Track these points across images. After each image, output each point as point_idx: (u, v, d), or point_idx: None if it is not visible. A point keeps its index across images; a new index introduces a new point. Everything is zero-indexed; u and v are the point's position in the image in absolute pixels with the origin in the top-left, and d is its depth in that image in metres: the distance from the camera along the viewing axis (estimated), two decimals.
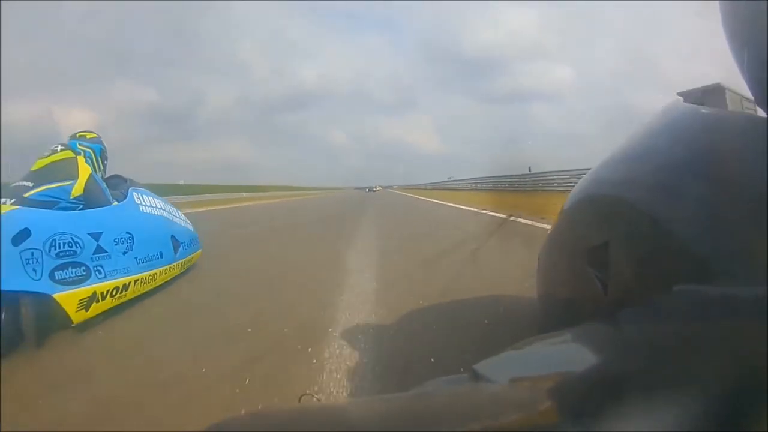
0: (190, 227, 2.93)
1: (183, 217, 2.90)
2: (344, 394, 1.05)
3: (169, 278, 2.49)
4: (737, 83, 0.46)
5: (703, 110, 0.54)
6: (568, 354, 0.44)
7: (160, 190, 2.96)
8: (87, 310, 1.74)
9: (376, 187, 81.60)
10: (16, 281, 1.52)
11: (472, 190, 22.46)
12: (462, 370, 0.43)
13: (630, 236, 0.53)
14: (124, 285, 1.99)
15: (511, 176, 18.30)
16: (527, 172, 16.58)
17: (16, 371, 1.30)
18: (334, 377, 1.14)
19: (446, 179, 37.11)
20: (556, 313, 0.76)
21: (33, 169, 2.00)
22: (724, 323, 0.32)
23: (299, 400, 0.96)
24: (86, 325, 1.69)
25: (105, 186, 2.16)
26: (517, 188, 15.94)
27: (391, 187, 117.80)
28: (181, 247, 2.63)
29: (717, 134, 0.49)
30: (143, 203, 2.43)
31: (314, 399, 0.98)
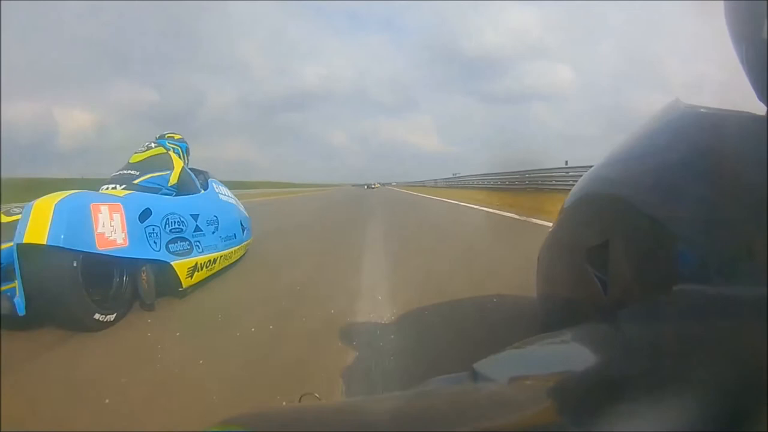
0: (247, 215, 3.27)
1: (242, 205, 3.25)
2: None
3: (238, 257, 2.85)
4: (738, 84, 0.46)
5: (703, 109, 0.54)
6: (568, 354, 0.44)
7: None
8: (191, 278, 2.06)
9: (374, 184, 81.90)
10: (142, 250, 1.81)
11: (491, 188, 17.44)
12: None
13: (630, 236, 0.53)
14: (214, 259, 2.34)
15: (543, 170, 14.21)
16: (563, 165, 13.31)
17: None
18: None
19: (451, 176, 36.36)
20: (556, 313, 0.76)
21: (132, 161, 2.32)
22: (724, 323, 0.32)
23: (299, 400, 0.96)
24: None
25: (194, 176, 2.55)
26: (570, 186, 11.82)
27: (389, 183, 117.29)
28: (245, 231, 3.04)
29: (717, 133, 0.49)
30: (220, 192, 2.79)
31: (315, 398, 0.98)
